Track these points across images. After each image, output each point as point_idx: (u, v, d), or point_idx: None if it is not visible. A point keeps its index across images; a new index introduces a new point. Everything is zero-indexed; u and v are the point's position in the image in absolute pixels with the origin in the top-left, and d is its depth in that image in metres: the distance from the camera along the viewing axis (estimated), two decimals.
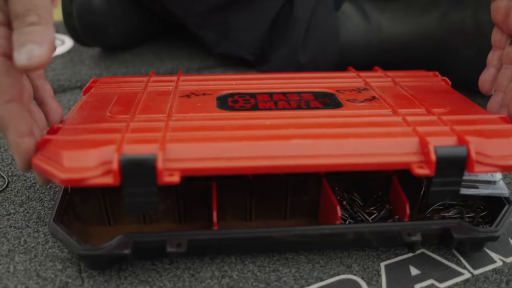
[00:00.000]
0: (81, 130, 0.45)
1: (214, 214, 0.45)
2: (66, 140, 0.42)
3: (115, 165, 0.38)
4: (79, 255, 0.43)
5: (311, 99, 0.52)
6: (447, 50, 0.75)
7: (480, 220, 0.50)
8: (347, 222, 0.48)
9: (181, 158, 0.40)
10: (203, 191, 0.49)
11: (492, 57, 0.51)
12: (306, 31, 0.77)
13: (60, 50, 0.92)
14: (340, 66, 0.79)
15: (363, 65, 0.72)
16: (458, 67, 0.75)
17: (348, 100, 0.52)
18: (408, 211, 0.46)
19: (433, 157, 0.39)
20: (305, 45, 0.78)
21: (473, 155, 0.39)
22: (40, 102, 0.48)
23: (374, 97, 0.53)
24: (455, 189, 0.41)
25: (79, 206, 0.50)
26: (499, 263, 0.47)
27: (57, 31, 1.01)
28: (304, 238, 0.45)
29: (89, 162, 0.39)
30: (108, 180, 0.38)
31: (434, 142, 0.40)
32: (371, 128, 0.44)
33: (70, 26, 0.81)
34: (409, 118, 0.46)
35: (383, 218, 0.50)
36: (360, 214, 0.49)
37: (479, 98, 0.78)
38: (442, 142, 0.41)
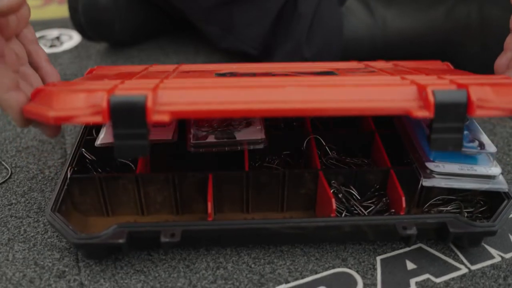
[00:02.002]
0: (74, 83, 0.45)
1: (209, 205, 0.45)
2: (58, 89, 0.41)
3: (104, 104, 0.37)
4: (74, 243, 0.43)
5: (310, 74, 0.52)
6: (452, 46, 0.74)
7: (480, 215, 0.49)
8: (343, 215, 0.48)
9: (172, 102, 0.39)
10: (200, 183, 0.49)
11: (510, 41, 0.49)
12: (310, 26, 0.77)
13: (68, 45, 0.93)
14: (344, 61, 0.78)
15: (368, 60, 0.71)
16: (463, 62, 0.74)
17: (347, 73, 0.52)
18: (404, 204, 0.45)
19: (431, 98, 0.37)
20: (309, 40, 0.78)
21: (474, 98, 0.37)
22: (35, 67, 0.49)
23: (373, 71, 0.52)
24: (457, 136, 0.39)
25: (78, 197, 0.50)
26: (497, 259, 0.47)
27: (66, 27, 1.02)
28: (299, 230, 0.45)
29: (79, 103, 0.38)
30: (97, 118, 0.38)
31: (432, 88, 0.38)
32: (368, 81, 0.43)
33: (76, 21, 0.82)
34: (408, 77, 0.44)
35: (380, 211, 0.49)
36: (356, 207, 0.48)
37: None
38: (441, 88, 0.39)
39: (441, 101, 0.38)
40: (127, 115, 0.38)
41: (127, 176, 0.49)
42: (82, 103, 0.38)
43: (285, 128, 0.61)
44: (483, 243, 0.48)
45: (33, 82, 0.47)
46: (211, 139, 0.52)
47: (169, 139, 0.52)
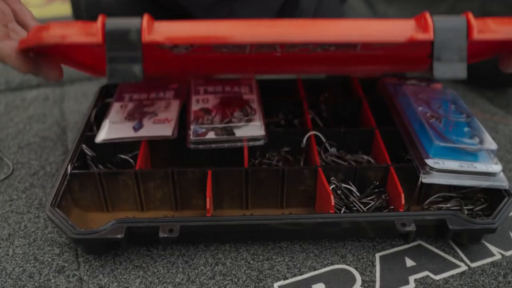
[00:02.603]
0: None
1: (208, 200, 0.45)
2: (52, 24, 0.41)
3: (99, 25, 0.38)
4: (73, 239, 0.44)
5: None
6: None
7: (480, 212, 0.49)
8: (342, 211, 0.48)
9: (167, 28, 0.39)
10: (199, 179, 0.49)
11: None
12: None
13: None
14: None
15: None
16: None
17: None
18: (403, 201, 0.45)
19: (430, 22, 0.38)
20: None
21: (473, 23, 0.38)
22: (22, 25, 0.49)
23: None
24: (460, 61, 0.39)
25: (78, 193, 0.51)
26: (497, 256, 0.46)
27: None
28: (297, 226, 0.45)
29: (74, 29, 0.38)
30: (91, 39, 0.38)
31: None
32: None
33: (78, 19, 0.82)
34: None
35: (379, 208, 0.49)
36: (355, 204, 0.48)
37: (488, 91, 0.77)
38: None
39: (441, 26, 0.38)
40: (122, 36, 0.38)
41: (127, 172, 0.49)
42: (77, 28, 0.38)
43: (285, 125, 0.61)
44: (483, 241, 0.48)
45: (23, 37, 0.47)
46: (210, 135, 0.52)
47: (169, 135, 0.53)
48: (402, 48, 0.52)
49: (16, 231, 0.50)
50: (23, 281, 0.45)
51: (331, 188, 0.48)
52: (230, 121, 0.53)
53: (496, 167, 0.47)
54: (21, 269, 0.46)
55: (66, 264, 0.46)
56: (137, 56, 0.38)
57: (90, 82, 0.79)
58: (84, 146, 0.54)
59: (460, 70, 0.39)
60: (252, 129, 0.53)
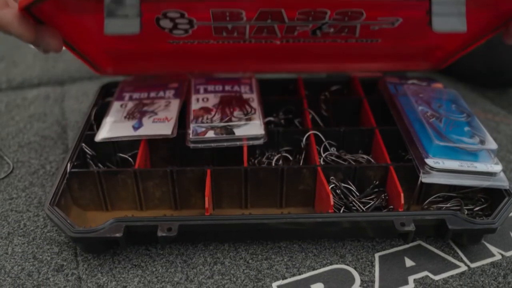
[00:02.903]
0: None
1: (206, 199, 0.45)
2: None
3: None
4: (72, 237, 0.44)
5: None
6: None
7: (480, 212, 0.49)
8: (341, 211, 0.48)
9: None
10: (198, 178, 0.49)
11: None
12: None
13: None
14: None
15: None
16: (467, 60, 0.73)
17: None
18: (402, 201, 0.45)
19: None
20: None
21: None
22: None
23: None
24: (458, 15, 0.38)
25: (77, 191, 0.51)
26: (497, 257, 0.46)
27: None
28: (296, 226, 0.44)
29: None
30: None
31: None
32: None
33: None
34: None
35: (379, 208, 0.49)
36: (354, 204, 0.48)
37: (489, 91, 0.76)
38: None
39: None
40: None
41: (126, 171, 0.49)
42: None
43: (285, 124, 0.61)
44: (483, 241, 0.47)
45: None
46: (210, 134, 0.52)
47: (169, 134, 0.53)
48: (401, 31, 0.51)
49: (15, 229, 0.50)
50: (22, 280, 0.45)
51: (330, 187, 0.48)
52: (230, 120, 0.53)
53: (497, 167, 0.47)
54: (20, 267, 0.46)
55: (65, 263, 0.46)
56: (136, 4, 0.38)
57: (91, 81, 0.79)
58: (83, 145, 0.54)
59: (459, 23, 0.38)
60: (252, 128, 0.53)
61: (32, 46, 0.46)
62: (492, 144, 0.48)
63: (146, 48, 0.58)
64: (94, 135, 0.53)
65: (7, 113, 0.70)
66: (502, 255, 0.46)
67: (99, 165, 0.55)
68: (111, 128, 0.54)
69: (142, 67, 0.63)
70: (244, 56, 0.62)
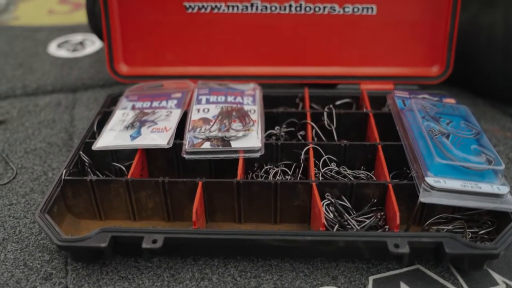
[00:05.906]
0: None
1: (194, 212, 0.44)
2: None
3: None
4: (58, 245, 0.43)
5: None
6: (473, 55, 0.70)
7: (486, 236, 0.46)
8: (334, 229, 0.46)
9: None
10: (191, 190, 0.48)
11: None
12: None
13: (90, 50, 0.95)
14: None
15: None
16: (485, 73, 0.70)
17: None
18: (398, 221, 0.43)
19: None
20: None
21: None
22: None
23: None
24: None
25: (71, 199, 0.50)
26: (501, 286, 0.43)
27: (88, 31, 1.04)
28: (284, 243, 0.43)
29: None
30: None
31: None
32: None
33: (93, 25, 0.83)
34: None
35: (375, 227, 0.46)
36: (349, 222, 0.46)
37: (511, 108, 0.72)
38: None
39: None
40: None
41: (118, 180, 0.49)
42: None
43: (288, 138, 0.59)
44: (486, 268, 0.44)
45: None
46: (206, 146, 0.51)
47: (164, 144, 0.52)
48: None
49: (10, 235, 0.51)
50: (10, 287, 0.45)
51: (325, 204, 0.46)
52: (227, 132, 0.52)
53: (503, 188, 0.44)
54: (9, 274, 0.46)
55: (54, 272, 0.46)
56: None
57: (102, 89, 0.80)
58: (81, 153, 0.54)
59: None
60: (249, 141, 0.51)
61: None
62: (499, 164, 0.45)
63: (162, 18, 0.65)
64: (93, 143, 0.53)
65: (18, 119, 0.72)
66: (506, 284, 0.43)
67: (97, 173, 0.55)
68: (109, 137, 0.54)
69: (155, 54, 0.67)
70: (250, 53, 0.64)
